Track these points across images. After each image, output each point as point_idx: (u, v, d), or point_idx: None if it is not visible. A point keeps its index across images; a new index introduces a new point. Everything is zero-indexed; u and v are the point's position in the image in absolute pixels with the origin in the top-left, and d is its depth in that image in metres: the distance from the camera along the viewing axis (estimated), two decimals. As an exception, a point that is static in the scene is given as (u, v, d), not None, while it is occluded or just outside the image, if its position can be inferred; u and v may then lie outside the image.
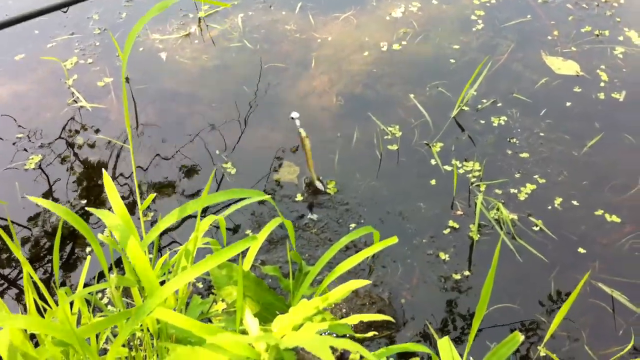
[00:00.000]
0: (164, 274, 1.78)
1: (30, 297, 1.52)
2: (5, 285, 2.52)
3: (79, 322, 1.77)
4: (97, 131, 3.10)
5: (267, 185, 2.85)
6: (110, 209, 1.83)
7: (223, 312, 1.92)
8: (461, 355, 1.60)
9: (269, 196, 1.70)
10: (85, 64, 3.50)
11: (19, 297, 2.47)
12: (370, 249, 1.76)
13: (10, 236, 1.91)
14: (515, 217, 2.67)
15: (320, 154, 2.95)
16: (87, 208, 1.61)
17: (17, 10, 3.35)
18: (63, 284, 2.48)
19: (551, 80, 3.34)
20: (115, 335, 1.88)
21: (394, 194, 2.80)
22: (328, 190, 2.80)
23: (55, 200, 2.79)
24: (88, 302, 1.99)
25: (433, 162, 2.91)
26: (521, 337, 1.48)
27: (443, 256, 2.54)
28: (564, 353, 2.24)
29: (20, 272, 2.55)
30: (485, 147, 2.98)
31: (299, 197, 2.79)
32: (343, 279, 1.84)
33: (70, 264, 2.57)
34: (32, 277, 1.56)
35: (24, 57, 3.56)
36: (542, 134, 3.03)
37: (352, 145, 3.02)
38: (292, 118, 2.74)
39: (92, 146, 3.04)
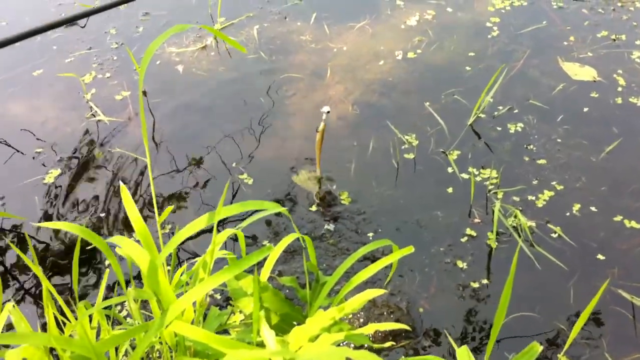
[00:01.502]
0: (182, 286, 1.80)
1: (50, 312, 1.54)
2: (25, 295, 2.55)
3: (98, 335, 1.79)
4: (114, 145, 3.13)
5: (284, 195, 2.86)
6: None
7: (241, 323, 1.93)
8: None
9: (285, 208, 1.70)
10: (103, 78, 3.54)
11: (38, 306, 2.49)
12: (387, 258, 1.76)
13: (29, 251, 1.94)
14: (534, 224, 2.66)
15: (337, 163, 2.96)
16: (109, 239, 1.62)
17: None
18: (82, 296, 2.50)
19: (568, 86, 3.33)
20: (134, 348, 1.89)
21: (411, 203, 2.80)
22: (342, 201, 2.81)
23: (75, 213, 2.82)
24: (107, 315, 2.01)
25: (450, 170, 2.90)
26: (540, 348, 1.47)
27: (461, 265, 2.53)
28: (585, 361, 2.23)
29: (38, 282, 2.58)
30: (502, 154, 2.97)
31: (314, 208, 2.80)
32: (360, 288, 1.84)
33: (89, 276, 2.59)
34: (51, 292, 1.58)
35: (42, 73, 3.60)
36: (559, 140, 3.02)
37: (368, 154, 3.02)
38: (323, 111, 2.70)
39: (110, 159, 3.07)
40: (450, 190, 2.82)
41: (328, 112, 2.65)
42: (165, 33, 1.44)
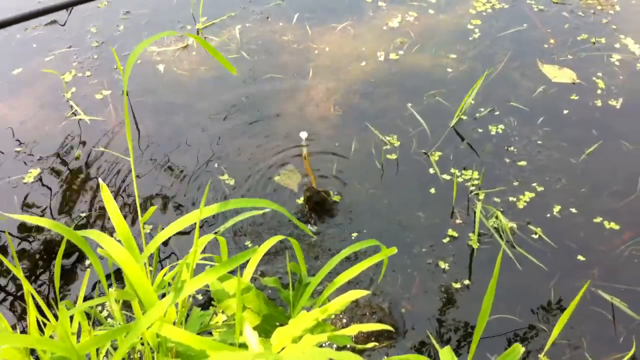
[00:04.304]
0: (164, 286, 1.78)
1: (32, 314, 1.53)
2: (3, 294, 2.52)
3: (78, 336, 1.77)
4: (95, 144, 3.11)
5: (265, 195, 2.85)
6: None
7: (223, 324, 1.92)
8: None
9: (267, 201, 1.67)
10: (83, 77, 3.51)
11: (17, 305, 2.46)
12: (370, 259, 1.76)
13: (9, 252, 1.92)
14: (514, 225, 2.68)
15: (318, 164, 2.96)
16: (85, 232, 1.59)
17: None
18: (62, 297, 2.48)
19: (548, 88, 3.35)
20: (115, 349, 1.88)
21: (393, 204, 2.80)
22: (334, 198, 2.80)
23: (55, 213, 2.79)
24: (88, 314, 1.99)
25: (432, 171, 2.91)
26: (522, 349, 1.47)
27: (443, 265, 2.54)
28: (565, 361, 2.25)
29: (17, 281, 2.55)
30: (484, 156, 2.98)
31: (300, 201, 2.80)
32: (343, 289, 1.84)
33: (69, 276, 2.56)
34: (31, 293, 1.56)
35: (22, 71, 3.57)
36: (539, 142, 3.04)
37: (350, 154, 3.02)
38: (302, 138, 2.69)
39: (91, 159, 3.05)
40: (432, 191, 2.83)
41: (306, 137, 2.64)
42: (151, 37, 1.44)
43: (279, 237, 1.80)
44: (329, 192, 2.82)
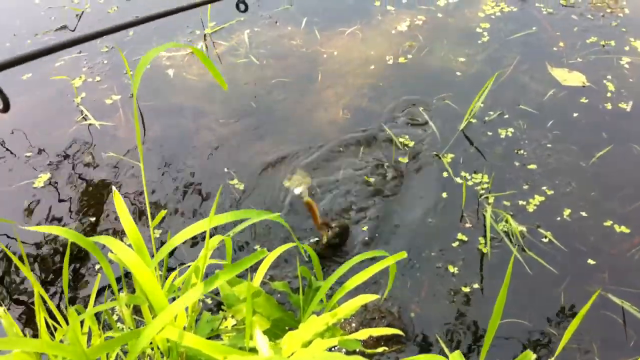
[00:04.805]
0: (174, 291, 1.79)
1: (41, 317, 1.53)
2: (13, 298, 2.53)
3: (89, 340, 1.78)
4: (105, 149, 3.12)
5: (276, 200, 2.85)
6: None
7: (233, 329, 1.92)
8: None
9: (277, 214, 1.68)
10: (93, 82, 3.53)
11: (26, 309, 2.47)
12: (379, 264, 1.76)
13: (21, 255, 1.92)
14: (524, 229, 2.67)
15: (327, 168, 2.96)
16: (97, 238, 1.60)
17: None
18: (72, 300, 2.49)
19: (557, 91, 3.34)
20: (125, 353, 1.88)
21: (402, 207, 2.80)
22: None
23: (65, 218, 2.80)
24: (98, 318, 2.00)
25: (443, 174, 2.91)
26: (533, 356, 1.47)
27: (452, 269, 2.54)
28: (575, 365, 2.24)
29: (28, 287, 2.56)
30: (494, 159, 2.98)
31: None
32: (352, 293, 1.83)
33: (80, 280, 2.57)
34: (42, 297, 1.57)
35: (32, 76, 3.58)
36: (549, 145, 3.03)
37: (358, 158, 3.02)
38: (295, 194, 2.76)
39: (100, 163, 3.06)
40: (442, 194, 2.83)
41: (299, 193, 2.70)
42: (160, 47, 1.45)
43: (290, 245, 1.80)
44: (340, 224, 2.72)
